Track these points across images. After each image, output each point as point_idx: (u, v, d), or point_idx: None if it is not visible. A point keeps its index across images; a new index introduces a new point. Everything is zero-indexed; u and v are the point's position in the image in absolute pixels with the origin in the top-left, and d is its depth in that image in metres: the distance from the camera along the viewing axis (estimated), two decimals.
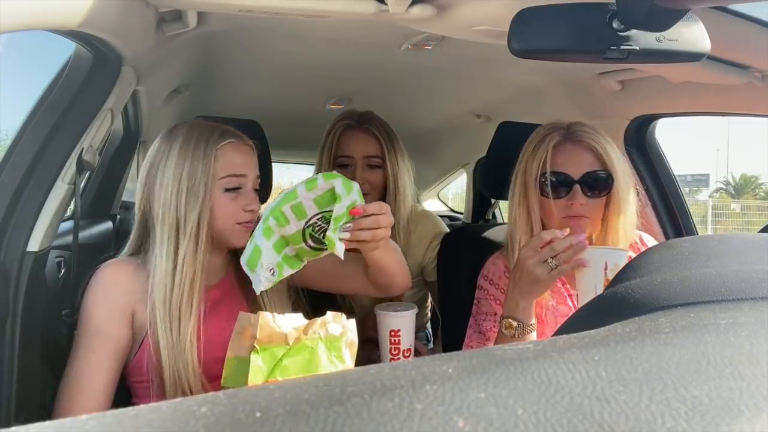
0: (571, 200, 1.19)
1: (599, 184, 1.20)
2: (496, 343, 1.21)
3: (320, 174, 1.01)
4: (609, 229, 1.22)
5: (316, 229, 1.02)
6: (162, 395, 1.08)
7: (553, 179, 1.20)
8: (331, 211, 1.00)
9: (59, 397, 1.02)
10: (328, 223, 1.01)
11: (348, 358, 0.98)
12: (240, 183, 1.14)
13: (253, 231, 1.08)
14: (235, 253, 1.22)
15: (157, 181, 1.10)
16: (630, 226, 1.23)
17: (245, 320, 0.95)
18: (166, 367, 1.05)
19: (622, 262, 1.05)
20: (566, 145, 1.22)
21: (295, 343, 0.93)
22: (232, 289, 1.20)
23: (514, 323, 1.12)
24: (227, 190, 1.12)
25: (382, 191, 1.65)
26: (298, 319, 0.97)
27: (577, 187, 1.19)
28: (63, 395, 1.02)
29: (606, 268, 1.05)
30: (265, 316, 0.93)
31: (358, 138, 1.62)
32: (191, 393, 1.06)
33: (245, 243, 1.14)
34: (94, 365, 1.03)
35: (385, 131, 1.64)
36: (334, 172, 1.02)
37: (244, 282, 1.19)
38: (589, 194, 1.20)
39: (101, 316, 1.06)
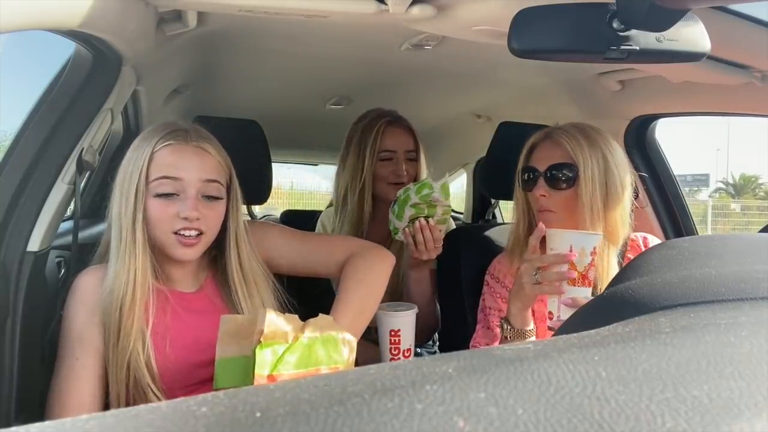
0: (536, 193, 1.25)
1: (560, 176, 1.22)
2: (499, 342, 1.22)
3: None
4: (574, 223, 1.21)
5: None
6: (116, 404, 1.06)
7: (525, 174, 1.28)
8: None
9: (49, 406, 1.01)
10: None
11: (346, 354, 0.99)
12: (175, 188, 1.03)
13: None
14: (212, 258, 1.18)
15: (115, 185, 1.08)
16: (592, 222, 1.19)
17: (231, 321, 0.96)
18: (111, 376, 1.03)
19: (589, 246, 1.04)
20: (543, 143, 1.27)
21: (294, 341, 0.94)
22: (213, 297, 1.16)
23: (506, 326, 1.16)
24: (158, 195, 1.03)
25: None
26: (296, 320, 0.97)
27: (541, 179, 1.24)
28: (52, 405, 1.00)
29: (571, 250, 1.04)
30: (272, 314, 0.94)
31: (401, 134, 1.71)
32: (147, 401, 1.04)
33: (187, 257, 1.07)
34: (80, 372, 1.02)
35: (414, 128, 1.75)
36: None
37: (224, 288, 1.16)
38: (550, 186, 1.23)
39: (82, 324, 1.04)
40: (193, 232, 1.05)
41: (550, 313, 1.10)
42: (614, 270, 1.23)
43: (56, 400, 1.01)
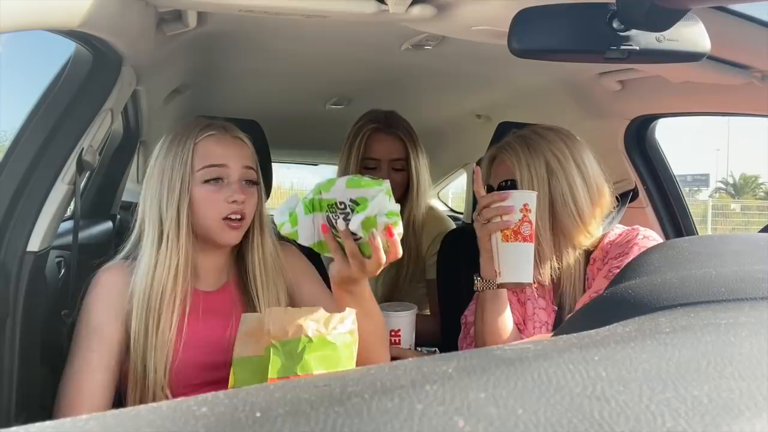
0: None
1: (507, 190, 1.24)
2: (478, 302, 1.24)
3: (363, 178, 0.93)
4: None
5: (339, 209, 0.93)
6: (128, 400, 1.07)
7: (486, 190, 1.30)
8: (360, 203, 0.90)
9: (60, 398, 1.01)
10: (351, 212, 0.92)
11: (355, 357, 0.99)
12: (220, 173, 1.10)
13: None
14: (237, 257, 1.20)
15: (149, 181, 1.11)
16: (540, 232, 1.20)
17: (252, 320, 0.95)
18: (132, 368, 1.04)
19: (518, 204, 1.10)
20: (496, 158, 1.29)
21: (317, 337, 0.93)
22: (233, 298, 1.17)
23: (477, 278, 1.21)
24: (206, 181, 1.09)
25: (404, 190, 1.70)
26: (315, 311, 0.96)
27: None
28: (63, 396, 1.01)
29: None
30: (277, 311, 0.93)
31: (386, 141, 1.66)
32: (154, 400, 1.04)
33: (232, 240, 1.12)
34: (95, 365, 1.03)
35: (409, 133, 1.69)
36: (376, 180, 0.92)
37: (245, 290, 1.17)
38: None
39: (100, 317, 1.06)
40: (239, 216, 1.11)
41: (495, 272, 1.14)
42: (579, 273, 1.23)
43: (69, 391, 1.01)
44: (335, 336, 0.95)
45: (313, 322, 0.94)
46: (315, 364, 0.92)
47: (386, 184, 0.90)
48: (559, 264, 1.22)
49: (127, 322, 1.07)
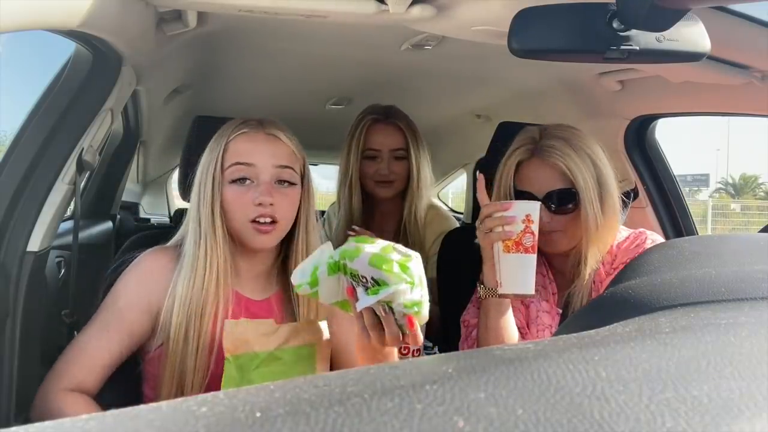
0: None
1: (564, 200, 1.17)
2: (481, 309, 1.21)
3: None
4: (586, 241, 1.16)
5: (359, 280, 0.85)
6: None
7: (518, 197, 1.20)
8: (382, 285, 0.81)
9: (61, 357, 1.00)
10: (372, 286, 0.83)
11: (316, 369, 0.98)
12: (248, 173, 1.04)
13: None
14: (284, 266, 1.14)
15: (195, 180, 1.09)
16: (605, 235, 1.18)
17: (235, 326, 0.96)
18: (168, 371, 1.02)
19: (520, 215, 1.06)
20: (532, 162, 1.19)
21: (265, 352, 0.93)
22: (275, 311, 1.12)
23: (480, 286, 1.17)
24: (233, 181, 1.04)
25: (406, 181, 1.71)
26: (265, 325, 0.96)
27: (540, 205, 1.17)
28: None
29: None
30: (229, 324, 0.93)
31: (385, 131, 1.68)
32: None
33: (263, 245, 1.06)
34: (104, 344, 1.01)
35: (409, 124, 1.70)
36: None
37: (289, 303, 1.12)
38: (553, 212, 1.17)
39: (128, 302, 1.04)
40: (268, 219, 1.04)
41: (497, 282, 1.11)
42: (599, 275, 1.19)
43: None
44: (284, 351, 0.95)
45: (262, 337, 0.94)
46: (263, 380, 0.92)
47: (412, 271, 0.80)
48: (579, 266, 1.18)
49: (163, 318, 1.04)
